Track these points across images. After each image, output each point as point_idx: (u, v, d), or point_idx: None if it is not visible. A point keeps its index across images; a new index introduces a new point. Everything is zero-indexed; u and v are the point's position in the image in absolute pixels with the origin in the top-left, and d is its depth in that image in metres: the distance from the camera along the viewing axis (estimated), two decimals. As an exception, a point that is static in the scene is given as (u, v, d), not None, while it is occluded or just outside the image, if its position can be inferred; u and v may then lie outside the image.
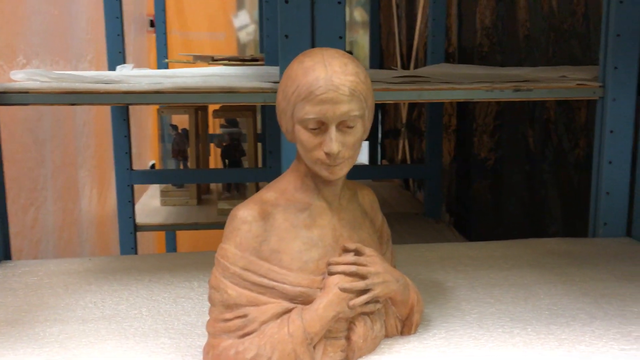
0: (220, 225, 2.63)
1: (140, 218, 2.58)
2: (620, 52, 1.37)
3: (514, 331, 0.93)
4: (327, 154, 0.80)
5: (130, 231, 2.50)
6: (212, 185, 3.05)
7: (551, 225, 1.80)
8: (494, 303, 1.04)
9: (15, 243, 1.55)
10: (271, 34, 2.36)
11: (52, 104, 1.31)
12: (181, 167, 2.97)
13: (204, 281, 1.14)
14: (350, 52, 2.99)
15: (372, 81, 0.86)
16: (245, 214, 0.82)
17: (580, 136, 1.63)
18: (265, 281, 0.80)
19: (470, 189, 2.46)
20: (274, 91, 1.30)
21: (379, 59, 3.50)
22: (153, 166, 3.75)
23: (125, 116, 2.38)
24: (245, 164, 2.83)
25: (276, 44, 2.31)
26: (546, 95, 1.39)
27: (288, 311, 0.80)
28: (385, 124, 3.73)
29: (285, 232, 0.83)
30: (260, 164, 2.90)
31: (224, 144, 2.85)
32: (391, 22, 3.40)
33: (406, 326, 0.91)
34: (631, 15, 1.36)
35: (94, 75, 1.55)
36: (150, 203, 2.90)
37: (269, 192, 0.86)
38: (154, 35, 3.55)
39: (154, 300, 1.06)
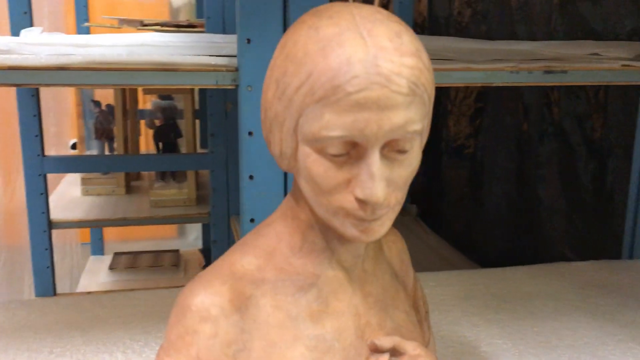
0: (155, 221, 2.26)
1: (56, 212, 2.19)
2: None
3: None
4: (363, 202, 0.43)
5: (43, 229, 2.12)
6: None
7: (549, 222, 1.47)
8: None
9: None
10: (213, -6, 1.96)
11: None
12: (106, 149, 2.57)
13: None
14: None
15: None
16: (206, 302, 0.44)
17: (597, 121, 1.33)
18: None
19: (442, 177, 2.16)
20: (231, 69, 0.92)
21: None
22: (74, 145, 3.31)
23: (33, 91, 1.97)
24: (183, 148, 2.45)
25: (220, 6, 1.94)
26: (584, 78, 1.07)
27: None
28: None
29: (277, 331, 0.46)
30: (198, 147, 2.50)
31: (158, 124, 2.45)
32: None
33: None
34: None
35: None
36: (69, 192, 2.51)
37: (246, 257, 0.48)
38: (72, -5, 3.07)
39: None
